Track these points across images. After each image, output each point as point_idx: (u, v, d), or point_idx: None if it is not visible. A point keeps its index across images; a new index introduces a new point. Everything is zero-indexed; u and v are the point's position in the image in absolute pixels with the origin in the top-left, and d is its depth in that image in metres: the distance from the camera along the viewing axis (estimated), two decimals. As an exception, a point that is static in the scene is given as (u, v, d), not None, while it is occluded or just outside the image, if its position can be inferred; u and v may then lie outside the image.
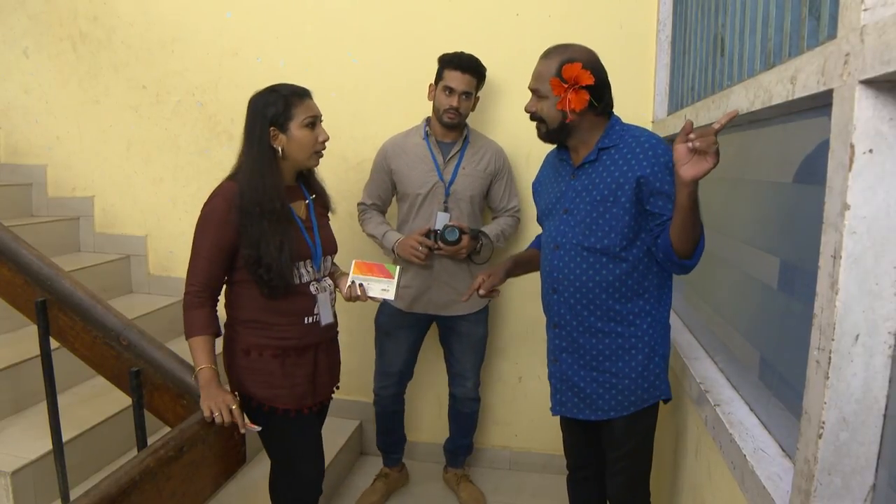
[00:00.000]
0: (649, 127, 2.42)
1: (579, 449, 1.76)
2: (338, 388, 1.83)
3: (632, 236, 1.46)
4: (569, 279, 1.53)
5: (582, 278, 1.51)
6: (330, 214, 1.80)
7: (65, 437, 1.81)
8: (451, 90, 2.16)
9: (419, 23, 2.55)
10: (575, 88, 1.43)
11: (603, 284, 1.49)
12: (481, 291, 1.73)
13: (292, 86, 1.61)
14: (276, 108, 1.56)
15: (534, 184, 1.76)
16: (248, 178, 1.55)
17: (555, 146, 1.64)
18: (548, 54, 1.50)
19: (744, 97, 1.27)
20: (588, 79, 1.42)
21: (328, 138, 1.64)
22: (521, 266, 1.81)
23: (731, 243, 1.68)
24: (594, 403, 1.55)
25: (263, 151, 1.56)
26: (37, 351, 1.76)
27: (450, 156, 2.27)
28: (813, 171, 1.19)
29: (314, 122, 1.61)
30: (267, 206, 1.53)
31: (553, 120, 1.50)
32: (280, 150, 1.58)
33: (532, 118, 1.54)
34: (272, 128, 1.56)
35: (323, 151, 1.66)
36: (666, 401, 1.58)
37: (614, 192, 1.44)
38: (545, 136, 1.55)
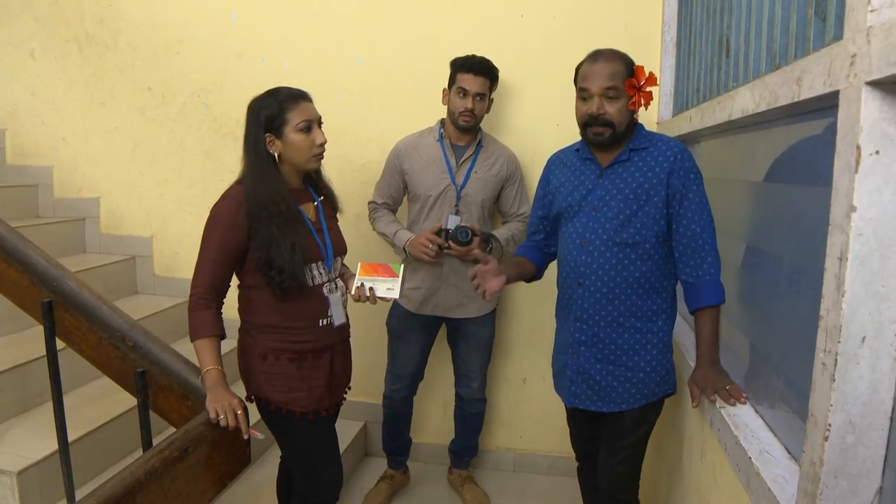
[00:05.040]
0: (654, 128, 2.42)
1: (586, 441, 1.84)
2: (349, 388, 1.82)
3: (663, 234, 1.54)
4: (596, 274, 1.58)
5: (610, 273, 1.57)
6: (338, 215, 1.81)
7: (70, 438, 1.81)
8: (464, 92, 2.17)
9: (423, 25, 2.55)
10: (643, 90, 1.51)
11: (629, 280, 1.56)
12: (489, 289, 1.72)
13: (289, 89, 1.60)
14: (271, 114, 1.56)
15: (545, 187, 1.76)
16: (251, 184, 1.56)
17: (561, 149, 1.75)
18: (609, 57, 1.53)
19: (749, 98, 1.26)
20: (654, 81, 1.51)
21: (325, 141, 1.63)
22: (516, 273, 1.77)
23: (730, 241, 1.68)
24: (607, 396, 1.63)
25: (260, 157, 1.57)
26: (43, 351, 1.77)
27: (463, 159, 2.27)
28: (788, 172, 1.22)
29: (309, 125, 1.59)
30: (273, 209, 1.53)
31: (623, 121, 1.53)
32: (277, 155, 1.58)
33: (596, 122, 1.52)
34: (267, 134, 1.57)
35: (322, 153, 1.65)
36: (670, 394, 1.69)
37: (647, 191, 1.53)
38: (611, 138, 1.53)
